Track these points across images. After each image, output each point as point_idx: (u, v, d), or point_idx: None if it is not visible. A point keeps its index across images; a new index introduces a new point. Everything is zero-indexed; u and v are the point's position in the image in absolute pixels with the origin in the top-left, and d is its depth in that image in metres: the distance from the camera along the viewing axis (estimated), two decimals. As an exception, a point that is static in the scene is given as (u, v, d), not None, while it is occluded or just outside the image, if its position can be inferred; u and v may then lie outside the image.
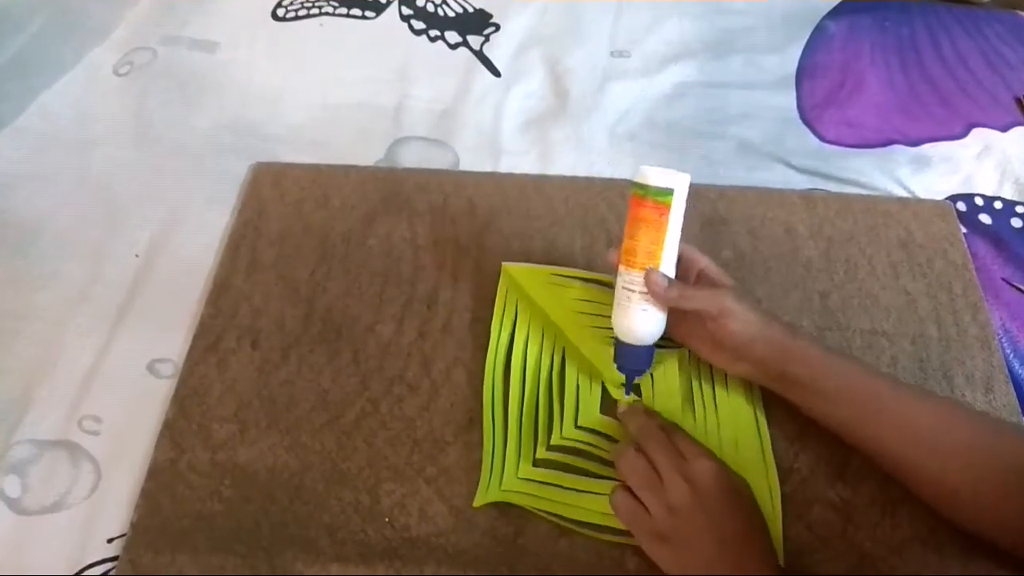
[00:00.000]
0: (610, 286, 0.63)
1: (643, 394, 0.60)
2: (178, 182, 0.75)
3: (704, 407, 0.59)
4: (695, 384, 0.60)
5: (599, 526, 0.54)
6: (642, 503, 0.51)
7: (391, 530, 0.55)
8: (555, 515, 0.54)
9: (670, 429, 0.55)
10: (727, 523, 0.50)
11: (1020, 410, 0.60)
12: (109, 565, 0.54)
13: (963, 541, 0.54)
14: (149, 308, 0.67)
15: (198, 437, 0.59)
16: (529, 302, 0.64)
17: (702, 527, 0.49)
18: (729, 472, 0.52)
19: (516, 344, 0.62)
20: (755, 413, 0.58)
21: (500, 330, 0.63)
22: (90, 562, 0.54)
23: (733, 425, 0.58)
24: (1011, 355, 0.64)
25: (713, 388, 0.60)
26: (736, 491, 0.51)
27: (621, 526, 0.52)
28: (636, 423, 0.56)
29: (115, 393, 0.62)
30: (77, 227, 0.72)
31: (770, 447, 0.57)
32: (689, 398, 0.59)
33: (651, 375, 0.60)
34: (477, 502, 0.55)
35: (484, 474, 0.56)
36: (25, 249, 0.70)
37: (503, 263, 0.66)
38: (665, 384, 0.59)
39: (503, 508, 0.55)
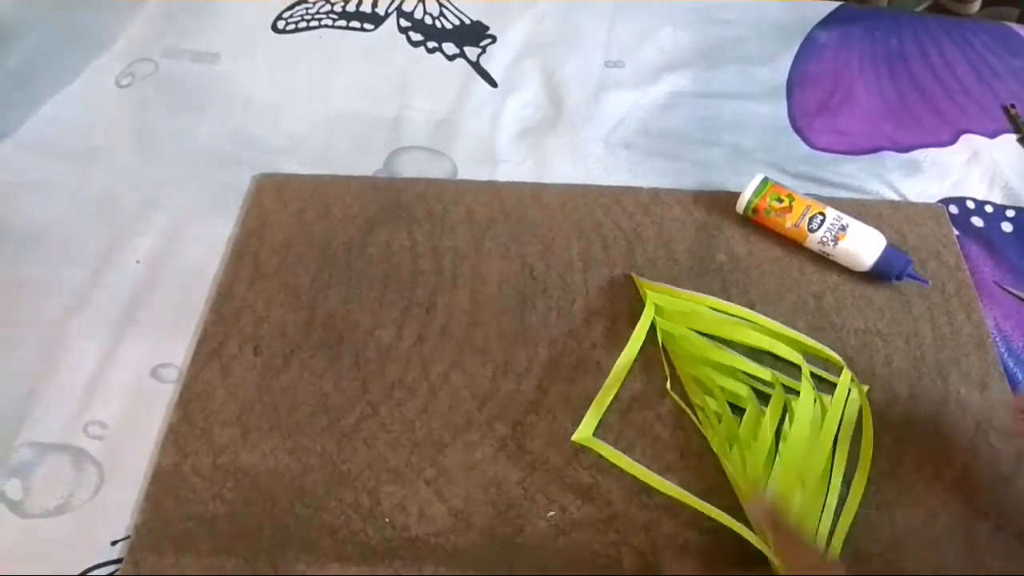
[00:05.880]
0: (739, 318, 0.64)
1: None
2: (179, 191, 0.76)
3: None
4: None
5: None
6: None
7: (391, 530, 0.55)
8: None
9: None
10: None
11: (1014, 409, 0.61)
12: (113, 567, 0.54)
13: (961, 539, 0.54)
14: (151, 314, 0.67)
15: (201, 441, 0.59)
16: (674, 342, 0.63)
17: None
18: None
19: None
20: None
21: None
22: (93, 564, 0.54)
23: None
24: (1006, 355, 0.65)
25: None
26: None
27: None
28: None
29: (119, 397, 0.62)
30: (79, 235, 0.73)
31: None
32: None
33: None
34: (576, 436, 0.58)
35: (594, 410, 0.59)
36: (27, 256, 0.71)
37: (645, 289, 0.66)
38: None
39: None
